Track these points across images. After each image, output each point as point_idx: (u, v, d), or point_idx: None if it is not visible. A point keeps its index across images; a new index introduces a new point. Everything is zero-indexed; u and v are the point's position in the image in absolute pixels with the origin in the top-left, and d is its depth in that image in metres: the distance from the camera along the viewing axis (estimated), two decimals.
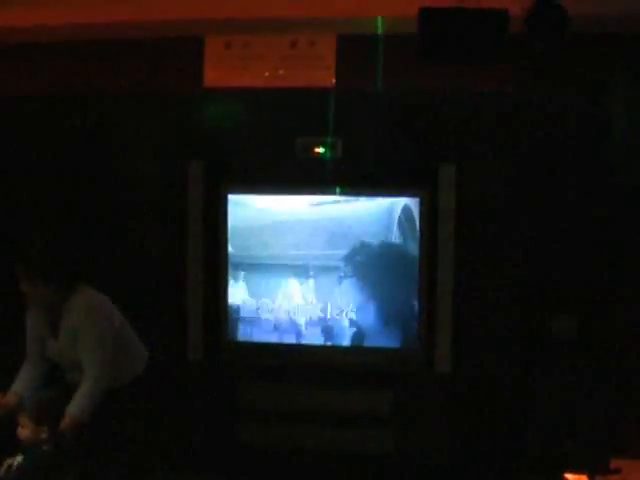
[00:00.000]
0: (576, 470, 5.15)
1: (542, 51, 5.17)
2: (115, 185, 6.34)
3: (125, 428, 4.95)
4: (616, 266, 5.87)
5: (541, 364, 5.81)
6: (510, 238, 6.02)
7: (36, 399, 4.83)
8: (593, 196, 5.90)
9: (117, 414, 4.86)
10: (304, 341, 6.18)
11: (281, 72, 6.09)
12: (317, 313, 6.14)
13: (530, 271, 6.00)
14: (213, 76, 6.15)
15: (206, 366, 6.17)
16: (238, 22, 5.74)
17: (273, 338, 6.22)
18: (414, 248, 6.01)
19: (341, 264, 6.09)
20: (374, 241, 6.06)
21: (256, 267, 6.17)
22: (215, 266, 6.18)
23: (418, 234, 6.00)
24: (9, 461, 4.52)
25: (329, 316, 6.12)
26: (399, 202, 6.05)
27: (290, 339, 6.20)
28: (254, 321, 6.21)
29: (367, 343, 6.11)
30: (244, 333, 6.23)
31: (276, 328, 6.20)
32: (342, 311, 6.10)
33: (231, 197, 6.13)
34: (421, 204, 5.98)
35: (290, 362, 6.15)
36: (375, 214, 6.06)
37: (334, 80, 6.05)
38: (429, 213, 5.97)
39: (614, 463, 4.85)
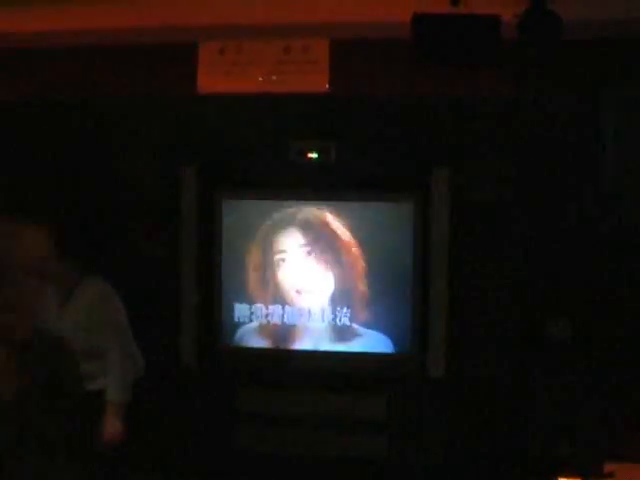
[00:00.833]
0: (570, 474, 5.15)
1: (535, 56, 5.19)
2: (111, 187, 6.34)
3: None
4: (613, 267, 5.88)
5: (536, 367, 5.82)
6: (506, 240, 6.03)
7: None
8: (590, 197, 5.91)
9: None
10: (298, 346, 6.18)
11: (275, 77, 6.10)
12: (312, 318, 6.14)
13: (526, 273, 6.01)
14: (207, 81, 6.15)
15: (201, 371, 6.17)
16: (231, 28, 5.74)
17: (267, 343, 6.22)
18: (408, 252, 6.02)
19: (334, 268, 6.09)
20: (369, 245, 6.07)
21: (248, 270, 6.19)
22: (210, 270, 6.19)
23: (412, 237, 6.00)
24: None
25: (324, 321, 6.13)
26: (392, 206, 6.06)
27: (284, 344, 6.20)
28: (248, 326, 6.22)
29: (361, 348, 6.12)
30: (238, 338, 6.23)
31: (270, 333, 6.21)
32: (336, 316, 6.11)
33: (225, 202, 6.14)
34: (415, 207, 5.99)
35: (284, 367, 6.15)
36: (369, 218, 6.07)
37: (328, 85, 6.06)
38: (423, 216, 5.98)
39: (608, 467, 4.84)
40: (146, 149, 6.31)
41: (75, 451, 2.50)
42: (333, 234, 6.08)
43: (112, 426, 4.76)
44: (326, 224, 6.10)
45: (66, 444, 2.39)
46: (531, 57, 5.18)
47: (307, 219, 6.11)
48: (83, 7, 5.24)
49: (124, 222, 6.34)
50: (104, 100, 6.26)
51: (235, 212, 6.17)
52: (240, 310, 6.20)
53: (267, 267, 6.14)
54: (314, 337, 6.15)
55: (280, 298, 6.14)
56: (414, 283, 6.01)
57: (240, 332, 6.22)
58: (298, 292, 6.13)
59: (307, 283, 6.13)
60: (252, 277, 6.18)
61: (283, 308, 6.15)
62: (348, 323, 6.11)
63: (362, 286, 6.09)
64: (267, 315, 6.18)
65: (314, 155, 6.17)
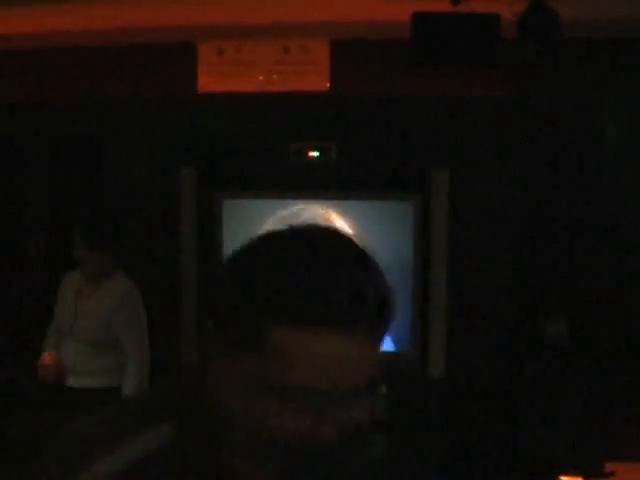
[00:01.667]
0: (571, 473, 5.15)
1: (535, 55, 5.18)
2: (110, 188, 6.35)
3: None
4: (612, 267, 5.88)
5: (535, 367, 5.82)
6: (505, 241, 6.03)
7: None
8: (590, 198, 5.90)
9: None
10: None
11: (274, 77, 6.09)
12: None
13: (525, 274, 6.00)
14: (206, 82, 6.15)
15: None
16: (230, 28, 5.74)
17: None
18: (408, 252, 6.01)
19: None
20: (370, 244, 6.05)
21: None
22: (210, 270, 6.18)
23: (412, 237, 6.00)
24: None
25: None
26: (393, 205, 6.06)
27: None
28: None
29: None
30: None
31: None
32: None
33: (226, 202, 6.14)
34: (415, 207, 5.99)
35: None
36: (370, 217, 6.07)
37: (328, 84, 6.06)
38: (423, 216, 5.98)
39: (609, 466, 4.85)
40: (145, 149, 6.31)
41: None
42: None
43: None
44: (331, 223, 6.09)
45: None
46: (531, 56, 5.17)
47: (312, 218, 6.10)
48: (81, 7, 5.23)
49: (124, 223, 6.33)
50: (103, 100, 6.25)
51: (236, 212, 6.17)
52: None
53: None
54: None
55: None
56: (414, 282, 6.01)
57: None
58: None
59: None
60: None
61: None
62: None
63: None
64: None
65: (315, 154, 6.16)
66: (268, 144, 6.18)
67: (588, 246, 5.90)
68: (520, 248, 6.00)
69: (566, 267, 5.93)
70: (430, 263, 5.98)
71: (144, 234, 6.31)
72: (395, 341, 6.08)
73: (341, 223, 6.07)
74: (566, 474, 5.13)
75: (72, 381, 4.88)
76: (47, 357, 4.90)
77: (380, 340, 1.55)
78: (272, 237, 1.55)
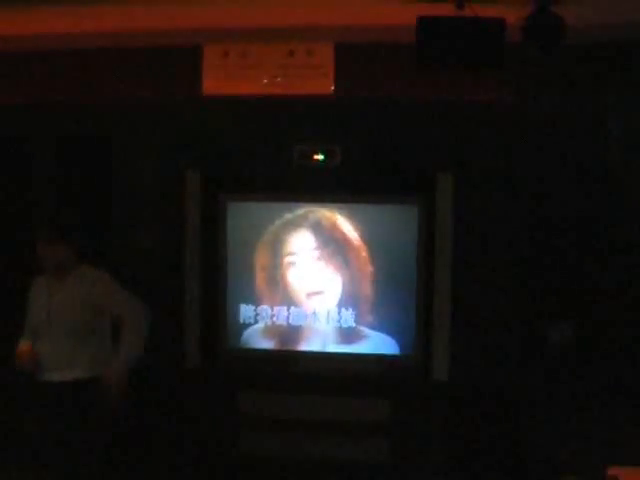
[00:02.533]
0: (573, 477, 5.15)
1: (540, 59, 5.19)
2: (115, 189, 6.37)
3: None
4: (616, 269, 5.88)
5: (538, 370, 5.82)
6: (508, 245, 6.03)
7: None
8: (594, 200, 5.90)
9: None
10: (303, 348, 6.19)
11: (279, 80, 6.11)
12: (317, 319, 6.15)
13: (528, 278, 6.00)
14: (211, 84, 6.17)
15: (204, 372, 6.19)
16: (236, 31, 5.76)
17: (271, 345, 6.23)
18: (413, 254, 6.02)
19: (343, 272, 6.10)
20: (376, 247, 6.08)
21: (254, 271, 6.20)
22: (214, 273, 6.20)
23: (416, 240, 6.01)
24: None
25: (329, 323, 6.14)
26: (398, 208, 6.07)
27: (289, 346, 6.21)
28: (253, 327, 6.23)
29: (367, 350, 6.12)
30: (243, 339, 6.24)
31: (274, 335, 6.22)
32: (340, 318, 6.12)
33: (230, 205, 6.16)
34: (419, 210, 6.00)
35: (288, 369, 6.16)
36: (375, 220, 6.08)
37: (332, 87, 6.07)
38: (427, 221, 5.99)
39: (610, 470, 4.84)
40: (151, 151, 6.33)
41: None
42: (343, 237, 6.09)
43: (117, 371, 4.82)
44: (337, 227, 6.11)
45: None
46: (535, 60, 5.18)
47: (318, 221, 6.12)
48: (88, 9, 5.25)
49: (128, 223, 6.36)
50: (110, 102, 6.27)
51: (240, 214, 6.18)
52: (245, 311, 6.21)
53: (276, 268, 6.16)
54: (319, 339, 6.16)
55: (287, 300, 6.15)
56: (418, 285, 6.02)
57: (245, 334, 6.23)
58: (308, 296, 6.15)
59: (317, 287, 6.13)
60: (259, 278, 6.19)
61: (288, 309, 6.17)
62: (353, 325, 6.11)
63: (368, 288, 6.10)
64: (272, 316, 6.19)
65: (319, 157, 6.18)
66: (273, 147, 6.20)
67: (591, 247, 5.90)
68: (523, 251, 6.00)
69: (569, 268, 5.93)
70: (434, 266, 5.98)
71: (148, 235, 6.33)
72: (399, 344, 6.09)
73: (348, 227, 6.09)
74: (568, 478, 5.13)
75: (51, 376, 4.90)
76: (22, 344, 4.94)
77: None
78: None
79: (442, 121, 6.03)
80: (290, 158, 6.18)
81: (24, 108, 6.34)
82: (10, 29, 5.70)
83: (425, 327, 6.03)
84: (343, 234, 6.08)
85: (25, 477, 5.56)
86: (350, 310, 6.12)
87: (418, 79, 5.75)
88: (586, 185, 5.91)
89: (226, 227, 6.19)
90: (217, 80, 6.16)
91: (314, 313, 6.15)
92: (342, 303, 6.11)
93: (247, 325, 6.23)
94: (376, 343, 6.10)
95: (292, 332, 6.19)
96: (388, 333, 6.08)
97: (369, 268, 6.08)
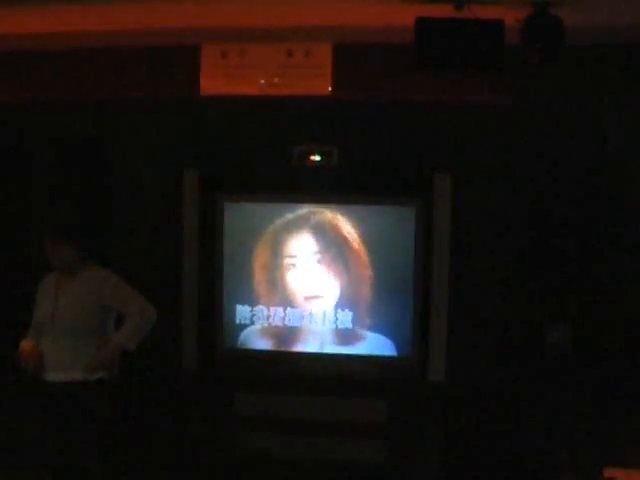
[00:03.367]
0: (570, 478, 5.16)
1: (538, 61, 5.19)
2: (113, 189, 6.36)
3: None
4: (614, 271, 5.88)
5: (536, 371, 5.82)
6: (506, 245, 6.03)
7: None
8: (593, 201, 5.91)
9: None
10: (301, 349, 6.19)
11: (277, 80, 6.10)
12: (314, 321, 6.15)
13: (527, 279, 6.01)
14: (209, 84, 6.16)
15: (202, 374, 6.18)
16: (234, 31, 5.75)
17: (269, 346, 6.23)
18: (410, 256, 6.02)
19: (342, 275, 6.09)
20: (372, 251, 6.07)
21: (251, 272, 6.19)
22: (211, 273, 6.20)
23: (414, 242, 6.01)
24: None
25: (326, 324, 6.13)
26: (394, 210, 6.06)
27: (286, 347, 6.21)
28: (250, 328, 6.23)
29: (364, 351, 6.12)
30: (240, 340, 6.24)
31: (271, 336, 6.21)
32: (337, 319, 6.11)
33: (227, 205, 6.16)
34: (417, 211, 6.00)
35: (285, 370, 6.16)
36: (371, 222, 6.07)
37: (330, 88, 6.07)
38: (424, 223, 5.99)
39: (607, 472, 4.85)
40: (149, 151, 6.33)
41: None
42: (344, 240, 6.08)
43: (103, 355, 4.87)
44: (338, 229, 6.09)
45: None
46: (533, 62, 5.18)
47: (319, 223, 6.10)
48: (86, 9, 5.24)
49: (126, 223, 6.35)
50: (108, 101, 6.27)
51: (237, 215, 6.18)
52: (242, 312, 6.20)
53: (275, 269, 6.15)
54: (317, 340, 6.16)
55: (285, 301, 6.15)
56: (416, 286, 6.02)
57: (242, 334, 6.22)
58: (306, 299, 6.14)
59: (315, 290, 6.12)
60: (257, 279, 6.18)
61: (285, 310, 6.16)
62: (351, 326, 6.11)
63: (366, 290, 6.09)
64: (269, 317, 6.19)
65: (317, 158, 6.18)
66: (270, 147, 6.20)
67: (590, 248, 5.91)
68: (522, 251, 6.01)
69: (568, 269, 5.94)
70: (432, 267, 5.98)
71: (146, 235, 6.33)
72: (397, 345, 6.09)
73: (348, 228, 6.08)
74: (566, 479, 5.13)
75: (53, 376, 4.90)
76: (25, 344, 4.94)
77: None
78: None
79: (441, 122, 6.04)
80: (288, 159, 6.18)
81: (22, 108, 6.34)
82: (8, 28, 5.69)
83: (422, 328, 6.03)
84: (344, 236, 6.07)
85: (25, 477, 5.56)
86: (347, 311, 6.11)
87: (417, 80, 5.74)
88: (585, 186, 5.92)
89: (224, 227, 6.18)
90: (215, 80, 6.15)
91: (311, 314, 6.15)
92: (340, 305, 6.11)
93: (244, 326, 6.22)
94: (373, 344, 6.10)
95: (289, 333, 6.18)
96: (385, 334, 6.08)
97: (368, 271, 6.08)
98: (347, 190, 6.10)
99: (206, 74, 6.16)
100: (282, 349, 6.21)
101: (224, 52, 6.13)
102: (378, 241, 6.08)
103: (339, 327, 6.12)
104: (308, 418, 6.05)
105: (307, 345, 6.18)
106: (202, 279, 6.19)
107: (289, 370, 6.15)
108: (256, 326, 6.21)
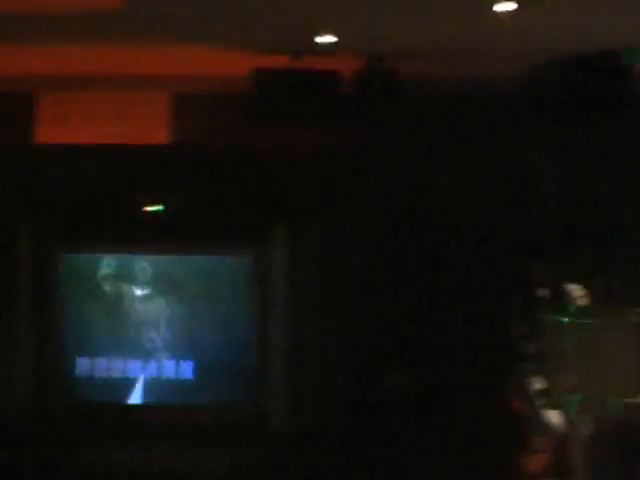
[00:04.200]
0: None
1: (371, 112, 5.34)
2: None
3: None
4: (460, 320, 6.03)
5: (377, 418, 5.90)
6: (347, 295, 6.11)
7: None
8: (434, 245, 6.06)
9: None
10: (137, 400, 6.10)
11: (115, 129, 6.07)
12: (152, 371, 6.08)
13: (367, 326, 6.09)
14: (45, 133, 6.07)
15: (39, 428, 5.99)
16: (71, 79, 5.69)
17: (106, 398, 6.11)
18: (249, 304, 6.05)
19: (177, 320, 6.07)
20: (210, 297, 6.07)
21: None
22: (49, 325, 6.06)
23: (251, 290, 6.05)
24: None
25: (164, 374, 6.07)
26: (231, 260, 6.11)
27: (123, 399, 6.11)
28: (86, 381, 6.10)
29: (204, 401, 6.08)
30: (77, 393, 6.10)
31: (110, 387, 6.11)
32: (178, 370, 6.07)
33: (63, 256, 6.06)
34: (253, 262, 6.06)
35: (124, 422, 6.05)
36: (208, 271, 6.09)
37: (168, 137, 6.07)
38: (262, 271, 6.04)
39: None
40: None
41: None
42: (182, 289, 6.06)
43: None
44: (170, 276, 6.08)
45: None
46: (367, 112, 5.31)
47: (152, 271, 6.08)
48: None
49: None
50: None
51: (74, 265, 6.08)
52: (82, 364, 6.07)
53: (112, 319, 6.07)
54: (157, 390, 6.09)
55: (124, 351, 6.06)
56: (257, 333, 6.04)
57: (80, 387, 6.09)
58: (141, 343, 6.07)
59: (150, 334, 6.07)
60: (95, 329, 6.08)
61: (124, 362, 6.07)
62: (191, 376, 6.07)
63: (206, 340, 6.07)
64: (109, 369, 6.08)
65: (155, 208, 6.15)
66: (109, 197, 6.12)
67: (434, 297, 6.04)
68: (364, 299, 6.09)
69: (412, 318, 6.04)
70: (270, 316, 6.03)
71: None
72: (238, 394, 6.07)
73: (186, 277, 6.07)
74: None
75: None
76: None
77: None
78: None
79: (282, 171, 6.09)
80: (126, 208, 6.12)
81: None
82: None
83: (264, 377, 6.04)
84: (182, 285, 6.06)
85: None
86: (186, 361, 6.07)
87: (256, 129, 5.82)
88: (422, 226, 6.07)
89: (59, 279, 6.06)
90: (51, 129, 6.07)
91: (149, 365, 6.08)
92: (179, 353, 6.07)
93: (84, 378, 6.09)
94: (215, 393, 6.07)
95: (128, 384, 6.09)
96: (227, 383, 6.06)
97: (206, 319, 6.07)
98: (185, 239, 6.07)
99: (42, 122, 6.07)
100: (121, 401, 6.11)
101: (60, 100, 6.05)
102: (216, 290, 6.09)
103: (178, 377, 6.08)
104: (150, 469, 5.94)
105: (146, 396, 6.09)
106: (41, 331, 6.03)
107: (129, 421, 6.04)
108: (96, 378, 6.09)
